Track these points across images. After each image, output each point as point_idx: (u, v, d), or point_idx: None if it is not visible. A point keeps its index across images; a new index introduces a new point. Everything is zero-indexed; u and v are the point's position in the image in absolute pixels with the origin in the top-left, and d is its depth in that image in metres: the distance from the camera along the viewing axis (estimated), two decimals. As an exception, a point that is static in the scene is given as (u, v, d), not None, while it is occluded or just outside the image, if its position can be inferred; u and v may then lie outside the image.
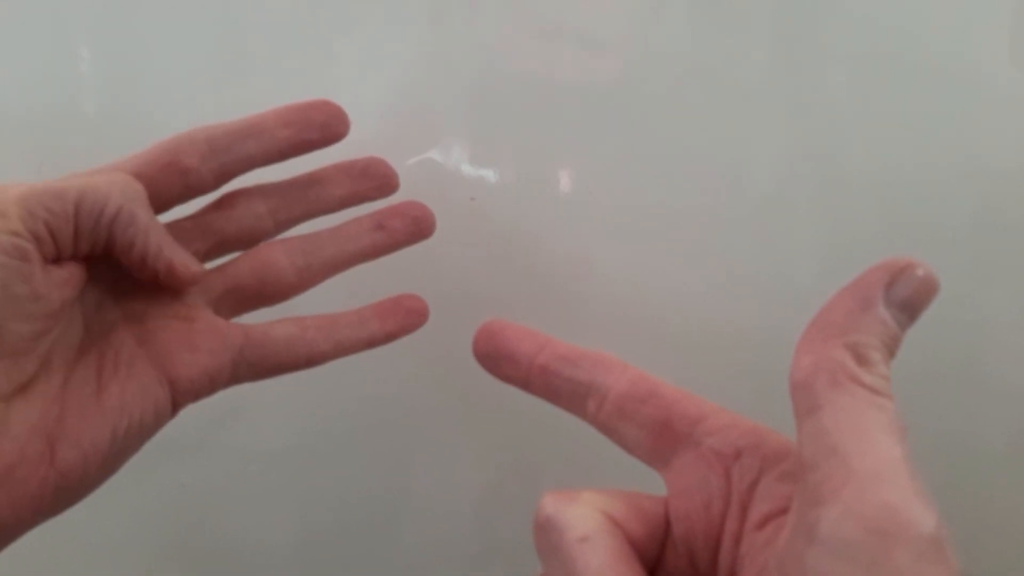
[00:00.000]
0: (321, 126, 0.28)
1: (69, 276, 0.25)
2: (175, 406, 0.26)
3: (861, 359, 0.18)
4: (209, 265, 0.29)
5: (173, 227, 0.28)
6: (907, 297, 0.19)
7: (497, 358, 0.24)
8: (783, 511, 0.19)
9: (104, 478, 0.25)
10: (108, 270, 0.26)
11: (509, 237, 0.36)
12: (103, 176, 0.25)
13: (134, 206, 0.25)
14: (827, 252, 0.35)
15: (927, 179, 0.35)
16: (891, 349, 0.19)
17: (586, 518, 0.19)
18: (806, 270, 0.35)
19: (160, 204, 0.27)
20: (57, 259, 0.24)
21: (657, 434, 0.21)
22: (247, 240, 0.29)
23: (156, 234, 0.25)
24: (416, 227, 0.31)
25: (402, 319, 0.31)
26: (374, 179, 0.31)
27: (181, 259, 0.26)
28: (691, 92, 0.35)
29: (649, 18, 0.35)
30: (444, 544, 0.38)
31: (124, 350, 0.26)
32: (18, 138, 0.36)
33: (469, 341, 0.37)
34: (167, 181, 0.27)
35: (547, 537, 0.19)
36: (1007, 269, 0.35)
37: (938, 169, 0.35)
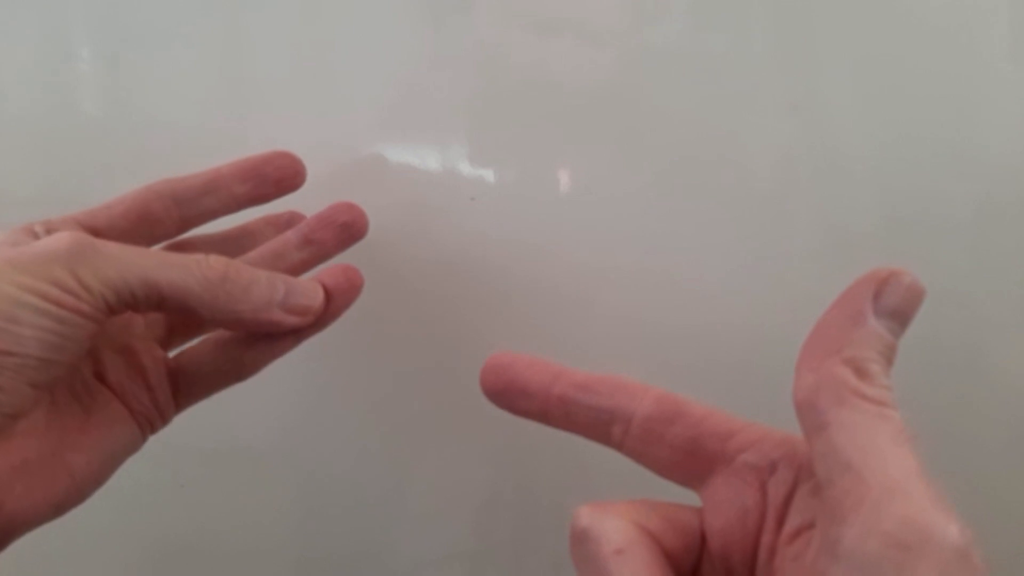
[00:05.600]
0: (276, 181, 0.30)
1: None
2: (143, 433, 0.28)
3: (861, 373, 0.18)
4: None
5: None
6: (896, 306, 0.19)
7: (510, 394, 0.23)
8: (812, 525, 0.19)
9: (98, 484, 0.26)
10: None
11: (509, 237, 0.36)
12: (200, 273, 0.25)
13: (232, 307, 0.25)
14: (828, 249, 0.35)
15: (927, 175, 0.35)
16: (888, 359, 0.19)
17: (621, 530, 0.19)
18: (807, 267, 0.35)
19: None
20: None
21: (688, 454, 0.21)
22: None
23: (258, 312, 0.26)
24: (347, 233, 0.32)
25: (303, 312, 0.29)
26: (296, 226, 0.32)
27: (294, 309, 0.27)
28: (691, 89, 0.35)
29: (649, 15, 0.35)
30: (444, 544, 0.38)
31: (88, 382, 0.27)
32: (18, 138, 0.36)
33: (469, 341, 0.37)
34: (139, 231, 0.28)
35: (583, 549, 0.19)
36: (1007, 264, 0.35)
37: (938, 165, 0.35)
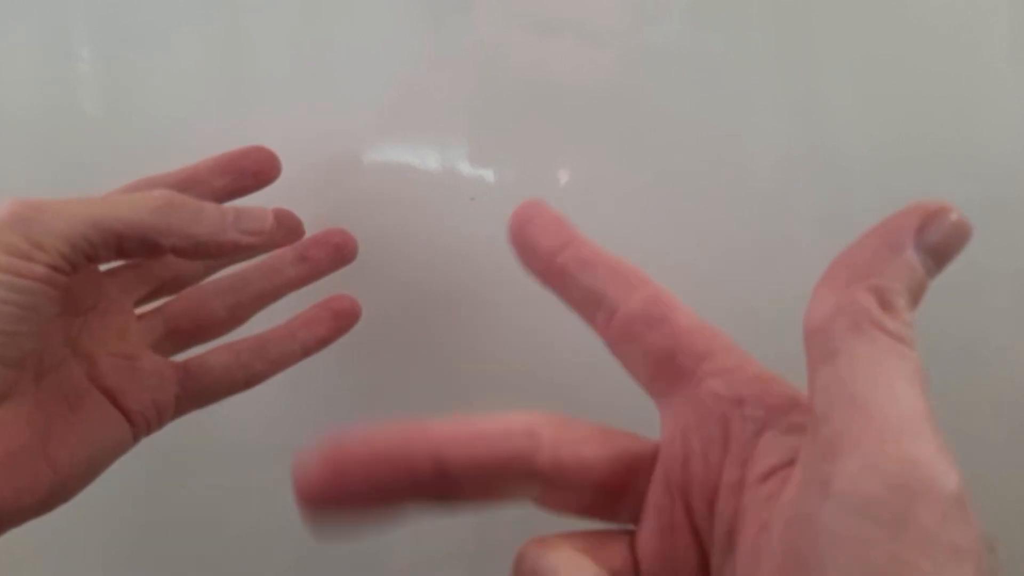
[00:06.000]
0: (254, 173, 0.31)
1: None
2: (135, 437, 0.28)
3: (885, 304, 0.17)
4: (149, 307, 0.31)
5: (115, 274, 0.30)
6: (938, 242, 0.17)
7: (521, 246, 0.22)
8: (789, 464, 0.17)
9: (85, 483, 0.26)
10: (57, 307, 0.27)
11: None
12: (147, 204, 0.25)
13: (186, 231, 0.25)
14: (828, 249, 0.35)
15: (926, 174, 0.35)
16: (916, 296, 0.17)
17: (568, 560, 0.18)
18: (807, 266, 0.35)
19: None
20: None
21: (659, 364, 0.20)
22: (182, 283, 0.32)
23: (215, 235, 0.26)
24: (338, 254, 0.33)
25: (331, 323, 0.32)
26: (284, 228, 0.32)
27: (238, 235, 0.27)
28: (691, 89, 0.35)
29: (649, 15, 0.35)
30: (443, 543, 0.38)
31: (79, 384, 0.27)
32: (18, 138, 0.36)
33: (468, 340, 0.37)
34: None
35: None
36: (1007, 262, 0.35)
37: (937, 164, 0.35)
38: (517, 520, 0.38)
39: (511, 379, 0.36)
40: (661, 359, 0.20)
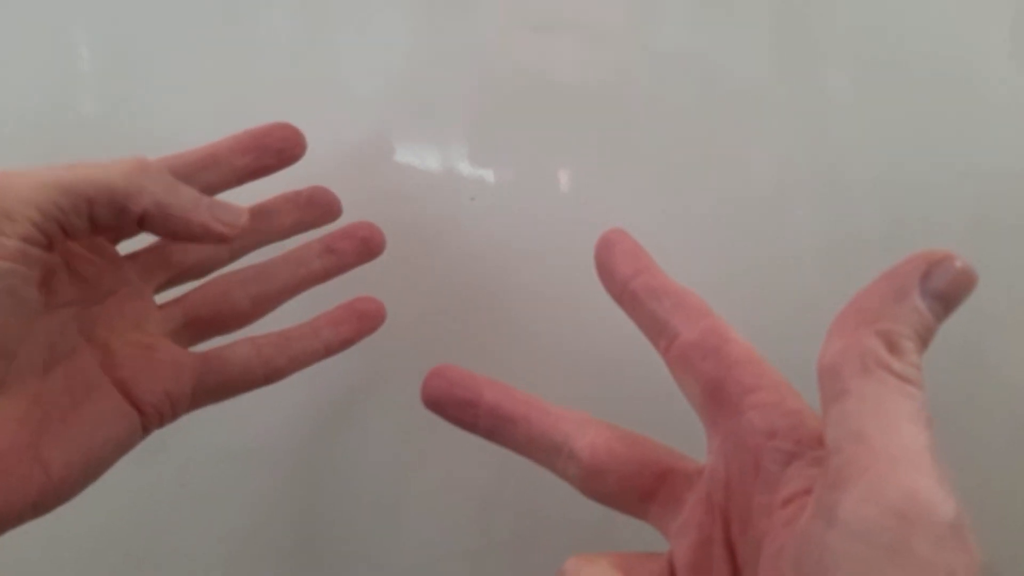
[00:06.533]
0: (277, 151, 0.30)
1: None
2: (145, 429, 0.27)
3: (893, 347, 0.18)
4: (169, 295, 0.30)
5: (134, 258, 0.29)
6: (944, 288, 0.18)
7: (601, 270, 0.25)
8: (808, 492, 0.19)
9: (85, 483, 0.25)
10: (72, 293, 0.26)
11: (509, 237, 0.36)
12: (117, 168, 0.25)
13: (157, 197, 0.25)
14: (827, 252, 0.35)
15: (927, 179, 0.35)
16: (924, 339, 0.18)
17: (603, 573, 0.20)
18: (806, 270, 0.35)
19: (125, 233, 0.28)
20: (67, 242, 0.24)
21: (709, 393, 0.22)
22: (204, 269, 0.31)
23: (187, 211, 0.26)
24: (365, 247, 0.32)
25: (356, 324, 0.32)
26: (318, 207, 0.32)
27: (212, 220, 0.26)
28: (691, 90, 0.35)
29: (648, 14, 0.35)
30: (444, 542, 0.38)
31: (90, 373, 0.26)
32: (18, 137, 0.36)
33: (468, 340, 0.37)
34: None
35: None
36: (1006, 269, 0.35)
37: (938, 169, 0.35)
38: (517, 520, 0.38)
39: (511, 378, 0.36)
40: (711, 388, 0.22)
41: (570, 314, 0.36)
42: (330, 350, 0.31)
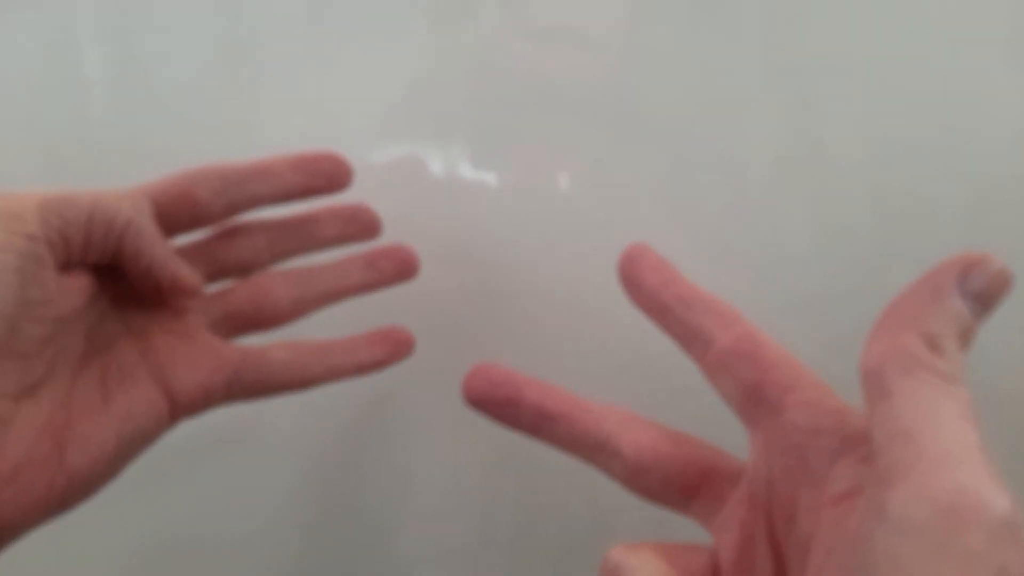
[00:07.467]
0: (328, 175, 0.31)
1: (79, 284, 0.26)
2: (172, 418, 0.27)
3: (934, 347, 0.18)
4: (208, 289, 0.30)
5: (179, 251, 0.29)
6: (981, 289, 0.19)
7: (628, 284, 0.25)
8: (859, 491, 0.19)
9: (108, 480, 0.26)
10: (112, 285, 0.27)
11: (509, 237, 0.36)
12: (114, 191, 0.26)
13: (142, 220, 0.26)
14: (824, 251, 0.35)
15: (921, 174, 0.35)
16: (965, 339, 0.19)
17: (649, 565, 0.20)
18: (804, 269, 0.35)
19: (168, 230, 0.28)
20: (67, 265, 0.25)
21: (747, 395, 0.22)
22: (245, 268, 0.31)
23: (161, 247, 0.27)
24: (403, 268, 0.33)
25: (390, 349, 0.32)
26: (360, 224, 0.33)
27: (184, 271, 0.28)
28: (687, 92, 0.35)
29: (645, 17, 0.35)
30: (444, 541, 0.38)
31: (126, 362, 0.27)
32: (25, 140, 0.37)
33: (468, 340, 0.37)
34: (178, 210, 0.28)
35: None
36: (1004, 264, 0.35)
37: (932, 164, 0.35)
38: (517, 520, 0.38)
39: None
40: (750, 390, 0.22)
41: (569, 313, 0.36)
42: (361, 369, 0.32)
